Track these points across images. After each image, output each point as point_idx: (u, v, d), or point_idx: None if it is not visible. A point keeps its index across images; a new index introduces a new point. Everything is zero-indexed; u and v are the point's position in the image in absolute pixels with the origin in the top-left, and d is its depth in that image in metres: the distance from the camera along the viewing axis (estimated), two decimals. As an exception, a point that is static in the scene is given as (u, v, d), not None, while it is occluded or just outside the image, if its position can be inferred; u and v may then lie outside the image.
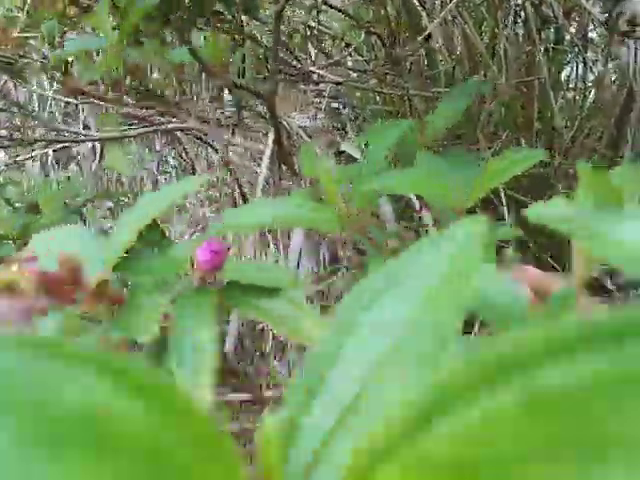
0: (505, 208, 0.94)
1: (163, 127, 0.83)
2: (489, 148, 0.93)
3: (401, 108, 1.14)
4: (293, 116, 0.64)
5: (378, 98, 1.09)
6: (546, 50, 1.20)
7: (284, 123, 0.62)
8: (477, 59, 0.95)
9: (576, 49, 1.00)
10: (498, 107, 0.95)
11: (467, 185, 0.33)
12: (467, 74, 0.98)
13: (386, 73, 1.04)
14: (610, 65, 0.85)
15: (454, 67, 1.05)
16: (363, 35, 1.03)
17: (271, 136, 0.63)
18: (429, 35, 0.90)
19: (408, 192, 0.44)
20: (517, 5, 1.04)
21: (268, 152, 0.62)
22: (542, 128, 1.11)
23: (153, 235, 0.32)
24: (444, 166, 0.38)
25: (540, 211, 0.20)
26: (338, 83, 0.85)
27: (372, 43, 1.05)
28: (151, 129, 0.85)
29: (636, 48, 0.76)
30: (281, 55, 0.95)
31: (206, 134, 0.80)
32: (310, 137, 0.68)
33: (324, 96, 1.20)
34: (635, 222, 0.18)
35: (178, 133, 1.14)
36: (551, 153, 1.14)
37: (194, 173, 1.46)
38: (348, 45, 1.11)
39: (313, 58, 1.14)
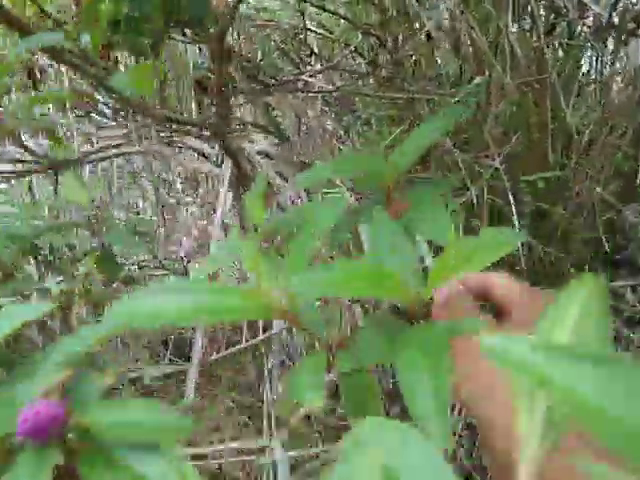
0: (515, 216, 0.88)
1: (115, 152, 0.80)
2: (499, 155, 0.86)
3: (405, 112, 1.08)
4: (255, 140, 0.60)
5: (380, 101, 1.03)
6: (560, 45, 1.12)
7: (245, 148, 0.57)
8: (482, 57, 0.88)
9: (589, 44, 0.92)
10: (508, 107, 0.89)
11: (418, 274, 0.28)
12: (473, 74, 0.92)
13: (387, 76, 0.98)
14: (618, 64, 0.78)
15: (461, 67, 0.99)
16: (360, 36, 0.97)
17: (227, 162, 0.58)
18: (429, 34, 0.84)
19: (346, 296, 0.38)
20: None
21: (227, 177, 0.58)
22: (558, 126, 1.04)
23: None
24: (399, 233, 0.32)
25: (494, 344, 0.15)
26: (331, 91, 0.81)
27: (372, 44, 1.00)
28: (107, 154, 0.82)
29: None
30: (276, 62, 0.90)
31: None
32: (272, 160, 0.63)
33: (327, 101, 1.15)
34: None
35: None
36: (567, 154, 1.07)
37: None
38: (347, 45, 1.06)
39: (312, 62, 1.09)
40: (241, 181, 0.60)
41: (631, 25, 0.52)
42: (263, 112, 0.96)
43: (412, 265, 0.28)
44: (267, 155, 0.58)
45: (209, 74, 0.68)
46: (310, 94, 0.85)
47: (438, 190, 0.39)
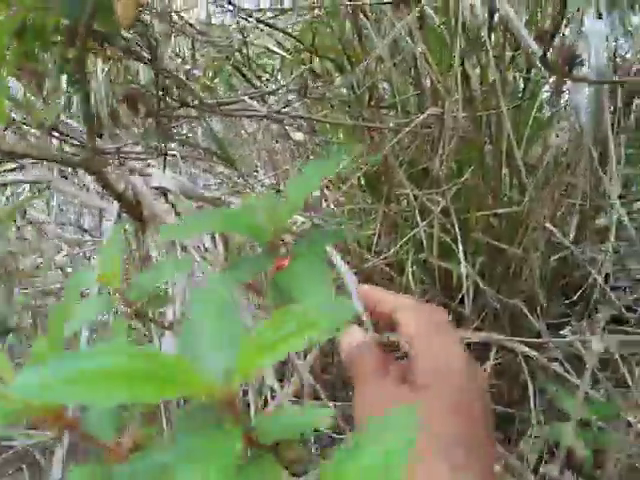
0: (461, 254, 0.84)
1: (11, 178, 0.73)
2: (448, 190, 0.83)
3: (360, 137, 1.04)
4: (150, 173, 0.55)
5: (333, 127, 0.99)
6: (522, 76, 1.11)
7: (136, 183, 0.52)
8: (438, 87, 0.85)
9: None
10: (460, 141, 0.86)
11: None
12: (430, 104, 0.89)
13: (342, 100, 0.94)
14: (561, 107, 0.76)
15: (418, 95, 0.96)
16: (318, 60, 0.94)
17: (113, 201, 0.53)
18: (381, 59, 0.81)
19: (106, 403, 0.32)
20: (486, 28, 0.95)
21: (114, 211, 0.52)
22: (513, 162, 1.02)
23: None
24: (227, 303, 0.27)
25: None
26: (264, 117, 0.76)
27: (327, 69, 0.96)
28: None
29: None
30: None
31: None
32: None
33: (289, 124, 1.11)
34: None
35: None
36: (522, 191, 1.05)
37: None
38: (307, 68, 1.02)
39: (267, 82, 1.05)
40: (138, 219, 0.54)
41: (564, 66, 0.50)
42: (211, 137, 0.91)
43: (235, 342, 0.23)
44: (165, 192, 0.53)
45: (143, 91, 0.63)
46: (247, 117, 0.81)
47: (326, 242, 0.35)
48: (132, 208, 0.51)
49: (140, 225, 0.50)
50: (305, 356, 0.56)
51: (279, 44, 1.11)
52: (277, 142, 1.12)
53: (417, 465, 0.28)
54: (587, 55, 0.56)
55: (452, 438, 0.31)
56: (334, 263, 0.67)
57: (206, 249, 0.48)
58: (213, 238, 0.50)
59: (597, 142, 0.98)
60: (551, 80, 0.82)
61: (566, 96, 0.83)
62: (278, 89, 0.70)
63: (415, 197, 0.83)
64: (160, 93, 0.59)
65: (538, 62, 0.44)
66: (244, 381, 0.22)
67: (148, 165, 0.59)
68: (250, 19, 0.82)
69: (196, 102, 0.69)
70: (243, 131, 1.07)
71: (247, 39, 0.83)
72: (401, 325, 0.36)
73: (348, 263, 0.91)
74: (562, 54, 0.47)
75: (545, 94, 1.25)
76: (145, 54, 0.57)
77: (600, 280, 1.41)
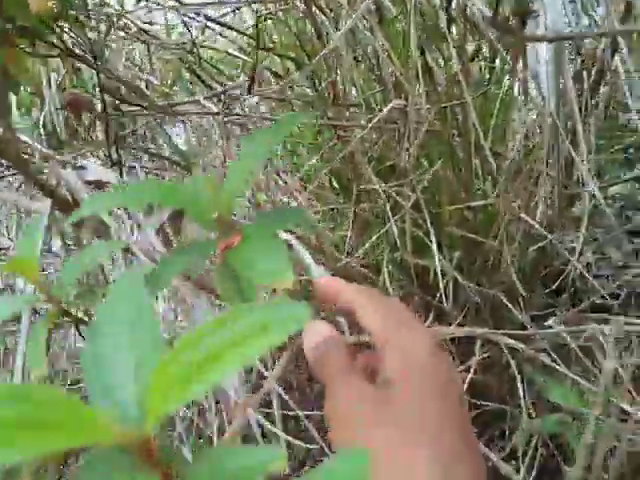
0: (435, 248, 0.82)
1: None
2: (418, 183, 0.81)
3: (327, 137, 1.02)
4: (84, 165, 0.51)
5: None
6: (487, 66, 1.10)
7: (62, 175, 0.49)
8: (401, 82, 0.84)
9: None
10: (427, 134, 0.84)
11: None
12: (390, 98, 0.87)
13: (304, 100, 0.92)
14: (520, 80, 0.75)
15: (382, 91, 0.94)
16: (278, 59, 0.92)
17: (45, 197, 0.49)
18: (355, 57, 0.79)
19: None
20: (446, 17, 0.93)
21: (45, 214, 0.48)
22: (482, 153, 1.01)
23: None
24: (146, 305, 0.23)
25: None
26: (216, 113, 0.74)
27: (288, 69, 0.94)
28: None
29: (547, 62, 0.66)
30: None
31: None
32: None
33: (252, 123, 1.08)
34: None
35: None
36: (495, 183, 1.04)
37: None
38: (267, 69, 1.00)
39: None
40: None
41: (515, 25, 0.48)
42: (171, 145, 0.88)
43: (150, 364, 0.19)
44: (101, 186, 0.50)
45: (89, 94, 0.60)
46: (200, 118, 0.78)
47: (282, 223, 0.32)
48: (66, 205, 0.47)
49: (76, 226, 0.47)
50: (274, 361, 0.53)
51: (241, 49, 1.09)
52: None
53: (399, 459, 0.28)
54: (543, 13, 0.55)
55: (435, 432, 0.29)
56: (299, 255, 0.64)
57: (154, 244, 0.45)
58: (161, 229, 0.47)
59: (567, 129, 0.97)
60: (509, 50, 0.80)
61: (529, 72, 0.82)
62: (233, 87, 0.68)
63: (385, 193, 0.81)
64: (106, 95, 0.56)
65: (489, 25, 0.42)
66: (159, 421, 0.17)
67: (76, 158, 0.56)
68: (198, 18, 0.79)
69: (146, 104, 0.66)
70: (208, 138, 1.05)
71: (196, 39, 0.81)
72: (364, 317, 0.34)
73: (323, 265, 0.89)
74: (514, 11, 0.45)
75: (510, 80, 1.25)
76: (88, 55, 0.54)
77: (580, 268, 1.40)
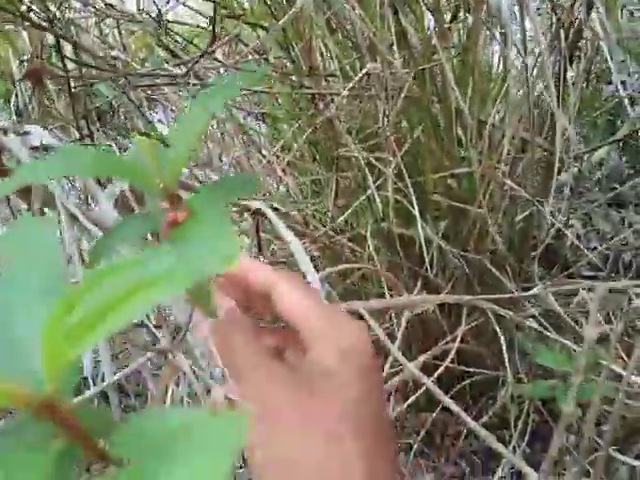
0: (418, 216, 0.81)
1: None
2: (399, 148, 0.80)
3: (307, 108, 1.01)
4: (28, 130, 0.49)
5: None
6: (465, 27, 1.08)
7: (4, 142, 0.47)
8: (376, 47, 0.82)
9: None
10: (405, 100, 0.83)
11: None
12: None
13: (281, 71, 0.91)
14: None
15: (359, 59, 0.93)
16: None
17: None
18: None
19: None
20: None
21: None
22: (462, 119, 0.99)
23: None
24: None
25: None
26: (183, 76, 0.72)
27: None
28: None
29: None
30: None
31: None
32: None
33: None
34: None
35: None
36: (479, 148, 1.03)
37: None
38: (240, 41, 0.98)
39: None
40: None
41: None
42: (144, 121, 0.86)
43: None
44: (46, 149, 0.48)
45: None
46: (166, 85, 0.76)
47: (234, 193, 0.30)
48: (6, 173, 0.45)
49: (22, 195, 0.45)
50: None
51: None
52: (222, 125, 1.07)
53: (332, 447, 0.27)
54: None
55: (366, 422, 0.29)
56: (280, 231, 0.63)
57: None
58: (120, 199, 0.45)
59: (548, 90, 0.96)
60: None
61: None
62: (201, 56, 0.66)
63: (366, 160, 0.80)
64: (70, 64, 0.55)
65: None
66: (58, 380, 0.15)
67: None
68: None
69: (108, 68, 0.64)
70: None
71: (165, 13, 0.79)
72: (283, 301, 0.31)
73: (304, 235, 0.87)
74: None
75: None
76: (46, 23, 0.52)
77: (570, 235, 1.40)
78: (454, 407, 0.44)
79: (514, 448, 1.06)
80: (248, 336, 0.31)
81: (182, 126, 0.30)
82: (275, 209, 0.73)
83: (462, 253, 0.92)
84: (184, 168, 0.31)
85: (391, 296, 0.96)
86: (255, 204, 0.64)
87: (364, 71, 0.74)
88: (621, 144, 1.76)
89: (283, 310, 0.31)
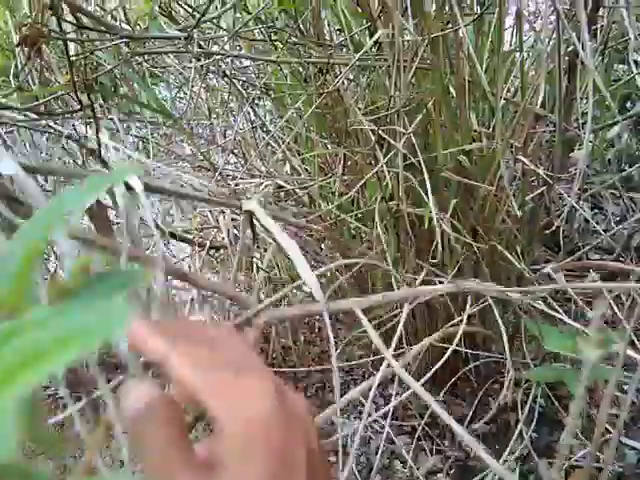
0: (430, 196, 0.78)
1: None
2: (409, 120, 0.76)
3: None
4: None
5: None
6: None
7: None
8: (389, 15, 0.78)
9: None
10: (419, 72, 0.79)
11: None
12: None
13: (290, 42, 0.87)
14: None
15: (369, 29, 0.88)
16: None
17: None
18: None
19: None
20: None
21: None
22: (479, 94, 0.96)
23: None
24: None
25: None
26: (186, 38, 0.68)
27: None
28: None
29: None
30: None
31: None
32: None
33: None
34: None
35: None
36: (491, 127, 0.99)
37: None
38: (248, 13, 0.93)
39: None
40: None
41: None
42: (145, 88, 0.82)
43: None
44: None
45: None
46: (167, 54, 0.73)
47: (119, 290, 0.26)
48: None
49: None
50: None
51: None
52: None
53: None
54: None
55: None
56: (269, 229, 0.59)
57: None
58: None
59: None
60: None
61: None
62: (199, 19, 0.62)
63: (376, 134, 0.77)
64: (66, 25, 0.51)
65: None
66: None
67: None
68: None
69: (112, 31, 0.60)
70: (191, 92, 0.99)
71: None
72: (176, 374, 0.26)
73: (308, 215, 0.84)
74: None
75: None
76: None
77: (581, 210, 1.36)
78: (445, 415, 0.41)
79: (520, 432, 1.04)
80: (168, 435, 0.25)
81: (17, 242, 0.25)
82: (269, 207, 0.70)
83: (472, 236, 0.89)
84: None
85: (397, 283, 0.93)
86: (249, 205, 0.60)
87: (376, 36, 0.70)
88: (633, 124, 1.72)
89: (179, 389, 0.27)
